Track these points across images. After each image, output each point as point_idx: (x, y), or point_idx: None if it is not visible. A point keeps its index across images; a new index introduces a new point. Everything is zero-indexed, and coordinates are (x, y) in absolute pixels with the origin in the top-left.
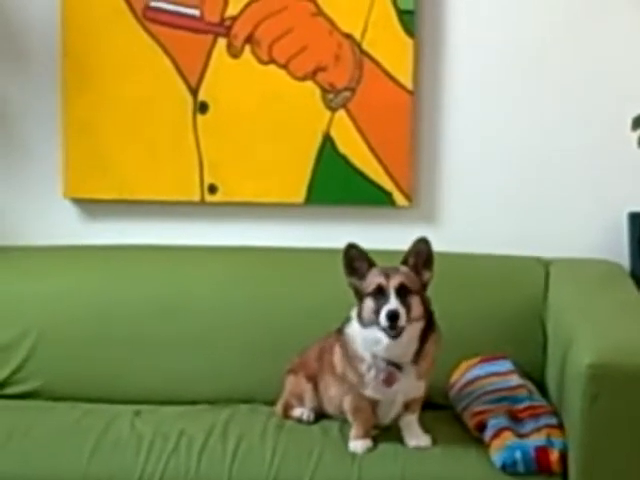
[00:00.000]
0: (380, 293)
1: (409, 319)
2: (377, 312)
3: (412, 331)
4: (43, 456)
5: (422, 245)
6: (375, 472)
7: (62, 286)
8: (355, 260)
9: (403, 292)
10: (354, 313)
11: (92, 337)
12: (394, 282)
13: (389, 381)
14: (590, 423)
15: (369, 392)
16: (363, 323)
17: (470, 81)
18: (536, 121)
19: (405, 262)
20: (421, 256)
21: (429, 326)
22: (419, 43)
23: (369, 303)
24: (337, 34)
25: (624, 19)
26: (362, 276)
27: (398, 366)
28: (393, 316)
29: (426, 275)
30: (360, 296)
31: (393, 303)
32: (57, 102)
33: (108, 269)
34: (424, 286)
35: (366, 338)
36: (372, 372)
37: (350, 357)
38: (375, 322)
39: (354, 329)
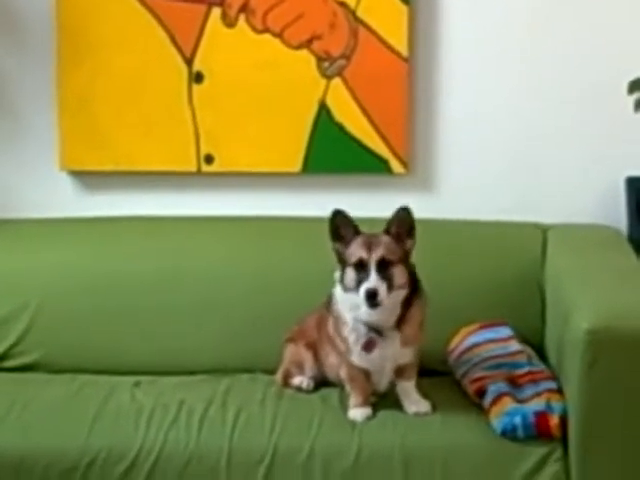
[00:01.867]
0: (361, 266)
1: (391, 289)
2: (358, 283)
3: (394, 298)
4: (43, 428)
5: (404, 213)
6: (375, 439)
7: (60, 258)
8: (341, 227)
9: (384, 265)
10: (337, 276)
11: (90, 309)
12: (375, 256)
13: (368, 347)
14: (589, 388)
15: (355, 359)
16: (345, 288)
17: (465, 47)
18: (533, 86)
19: (388, 231)
20: (403, 224)
21: (414, 292)
22: (414, 10)
23: (350, 273)
24: (332, 2)
25: None
26: (347, 242)
27: (379, 332)
28: (371, 294)
29: (408, 243)
30: (343, 262)
31: (372, 281)
32: (52, 75)
33: (105, 241)
34: (407, 254)
35: (347, 301)
36: (353, 336)
37: (336, 320)
38: (355, 290)
39: (338, 291)
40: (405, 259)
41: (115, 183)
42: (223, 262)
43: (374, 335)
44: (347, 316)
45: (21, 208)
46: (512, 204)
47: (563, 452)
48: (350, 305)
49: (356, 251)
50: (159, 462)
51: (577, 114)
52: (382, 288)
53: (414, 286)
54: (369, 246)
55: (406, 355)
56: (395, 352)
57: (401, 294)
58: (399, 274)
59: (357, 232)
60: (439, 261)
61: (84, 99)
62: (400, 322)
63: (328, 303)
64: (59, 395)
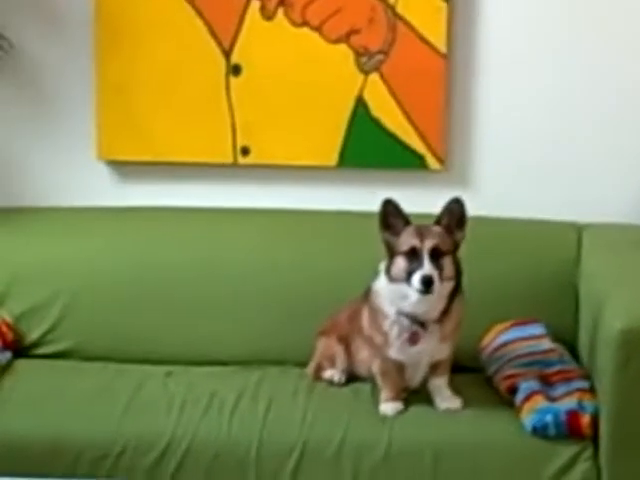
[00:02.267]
0: (414, 255)
1: (441, 279)
2: (409, 273)
3: (443, 290)
4: (75, 416)
5: (455, 205)
6: (406, 434)
7: (95, 248)
8: (390, 216)
9: (436, 254)
10: (382, 267)
11: (125, 298)
12: (428, 244)
13: (413, 339)
14: (621, 387)
15: (393, 353)
16: (391, 278)
17: (503, 45)
18: (570, 85)
19: (438, 222)
20: (454, 216)
21: (457, 287)
22: (453, 7)
23: (401, 262)
24: None
25: None
26: (396, 232)
27: (422, 324)
28: (427, 281)
29: (458, 235)
30: (392, 252)
31: (427, 268)
32: (91, 64)
33: (141, 231)
34: (456, 246)
35: (393, 292)
36: (395, 330)
37: (375, 314)
38: (405, 280)
39: (381, 283)
40: (454, 251)
41: (151, 173)
42: (257, 254)
43: (418, 328)
44: (389, 309)
45: (58, 196)
46: (548, 202)
47: (594, 452)
48: (396, 296)
49: (408, 239)
50: (189, 452)
51: (614, 113)
52: (436, 275)
53: (458, 280)
54: (421, 235)
55: (444, 350)
56: (434, 347)
57: (449, 286)
58: (448, 265)
59: (407, 222)
60: (473, 258)
61: (122, 89)
62: (442, 316)
63: (366, 296)
64: (92, 383)
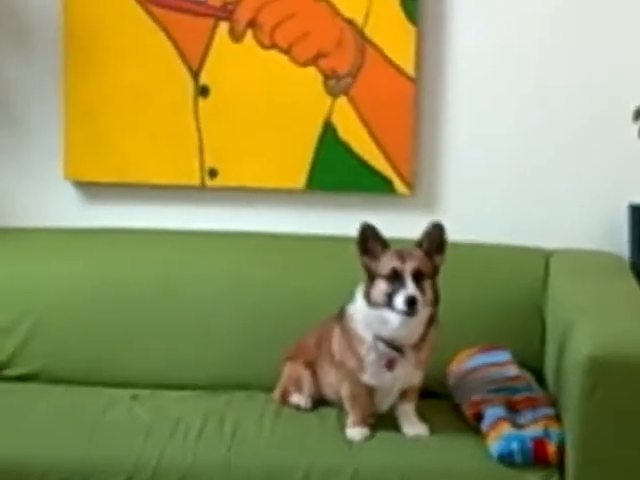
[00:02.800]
0: (395, 277)
1: (423, 302)
2: (390, 295)
3: (423, 314)
4: (40, 439)
5: (435, 230)
6: (372, 460)
7: (61, 269)
8: (369, 240)
9: (418, 276)
10: (359, 292)
11: (91, 320)
12: (410, 266)
13: (390, 365)
14: (588, 414)
15: (367, 378)
16: (371, 303)
17: (472, 69)
18: (539, 111)
19: (419, 245)
20: (434, 241)
21: (434, 313)
22: (422, 30)
23: (382, 285)
24: (339, 20)
25: (630, 8)
26: (375, 256)
27: (399, 350)
28: (411, 301)
29: (438, 260)
30: (371, 276)
31: (411, 288)
32: (59, 85)
33: (108, 252)
34: (435, 271)
35: (372, 318)
36: (372, 355)
37: (350, 339)
38: (386, 304)
39: (358, 308)
40: (434, 275)
41: (119, 194)
42: (224, 278)
43: (396, 353)
44: (366, 334)
45: (24, 217)
46: (515, 228)
47: (560, 479)
48: (374, 321)
49: (389, 262)
50: (155, 477)
51: (582, 140)
52: (419, 297)
53: (435, 306)
54: (402, 257)
55: (416, 377)
56: (408, 373)
57: (428, 311)
58: (429, 289)
59: (386, 246)
60: (441, 283)
61: (90, 110)
62: (419, 342)
63: (338, 320)
64: (57, 406)
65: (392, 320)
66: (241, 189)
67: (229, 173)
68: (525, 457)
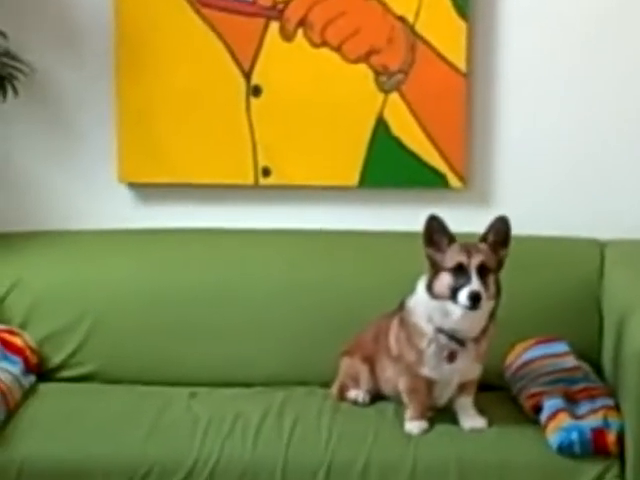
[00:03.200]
0: (460, 271)
1: (486, 297)
2: (454, 289)
3: (486, 308)
4: (99, 439)
5: (501, 224)
6: (431, 453)
7: (118, 270)
8: (435, 232)
9: (483, 271)
10: (421, 284)
11: (148, 321)
12: (475, 261)
13: (451, 357)
14: None
15: (426, 371)
16: (434, 295)
17: (523, 63)
18: (591, 101)
19: (483, 239)
20: (500, 235)
21: (495, 306)
22: (472, 25)
23: (447, 278)
24: (390, 17)
25: None
26: (440, 249)
27: (461, 343)
28: (475, 297)
29: (502, 253)
30: (435, 268)
31: (475, 284)
32: (112, 87)
33: (163, 253)
34: (500, 265)
35: (434, 309)
36: (432, 348)
37: (410, 332)
38: (450, 298)
39: (418, 301)
40: (498, 269)
41: (172, 195)
42: (279, 275)
43: (457, 346)
44: (426, 326)
45: (80, 219)
46: (570, 219)
47: (620, 469)
48: (437, 313)
49: (455, 256)
50: (215, 474)
51: (634, 130)
52: (483, 292)
53: (497, 300)
54: (468, 252)
55: (475, 370)
56: (468, 366)
57: (491, 305)
58: (492, 283)
59: (452, 239)
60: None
61: (143, 112)
62: (480, 335)
63: (397, 314)
64: (115, 406)
65: (455, 312)
66: (294, 187)
67: (282, 172)
68: (584, 448)
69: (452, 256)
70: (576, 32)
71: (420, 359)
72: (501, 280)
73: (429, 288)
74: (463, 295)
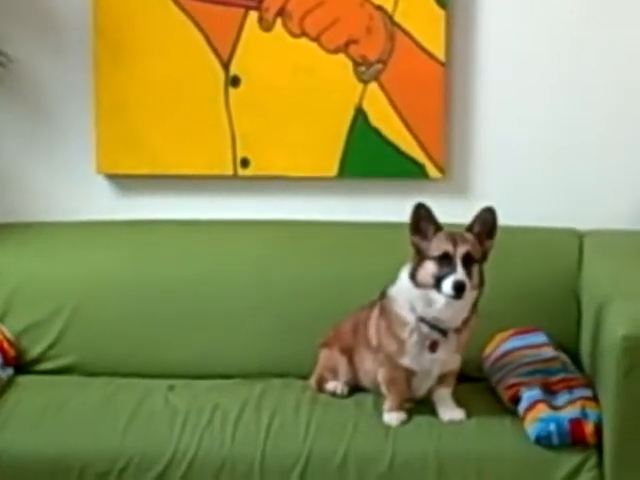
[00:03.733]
0: (446, 260)
1: (470, 287)
2: (439, 278)
3: (469, 298)
4: (78, 431)
5: (487, 214)
6: (409, 445)
7: (96, 262)
8: (422, 220)
9: (468, 261)
10: (405, 273)
11: (126, 312)
12: (461, 250)
13: (433, 347)
14: (625, 395)
15: (406, 361)
16: (417, 283)
17: (502, 52)
18: (570, 91)
19: (469, 229)
20: (486, 225)
21: (478, 297)
22: (451, 14)
23: (431, 267)
24: (368, 6)
25: None
26: (426, 237)
27: (443, 332)
28: (460, 287)
29: (487, 244)
30: (420, 256)
31: (460, 274)
32: (90, 78)
33: (142, 244)
34: (484, 255)
35: (417, 298)
36: (414, 337)
37: (391, 322)
38: (433, 286)
39: (401, 289)
40: (483, 260)
41: (151, 186)
42: (258, 266)
43: (438, 335)
44: (409, 315)
45: (58, 211)
46: (548, 210)
47: (598, 460)
48: (420, 301)
49: (440, 244)
50: (193, 466)
51: (614, 120)
52: (467, 282)
53: (480, 290)
54: (454, 241)
55: (455, 361)
56: (448, 356)
57: (474, 294)
58: (476, 273)
59: (438, 228)
60: None
61: (121, 102)
62: (462, 325)
63: (378, 303)
64: (94, 398)
65: (438, 301)
66: (273, 178)
67: (261, 162)
68: (562, 438)
69: (438, 245)
70: (556, 21)
71: (401, 349)
72: (484, 271)
73: (413, 276)
74: (447, 284)
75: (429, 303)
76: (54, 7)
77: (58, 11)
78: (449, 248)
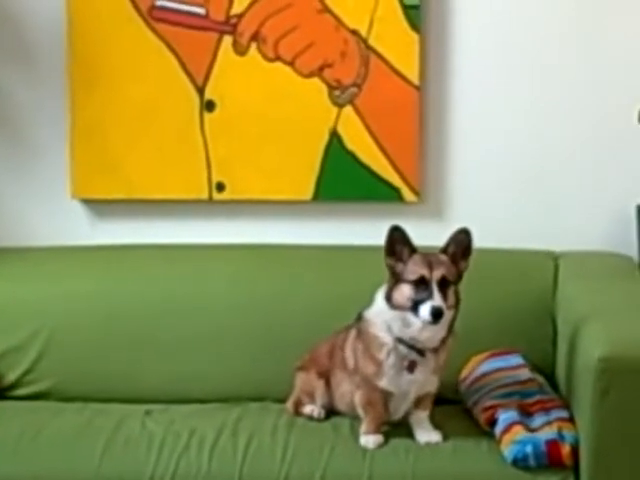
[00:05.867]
0: (422, 284)
1: (446, 308)
2: (415, 302)
3: (446, 318)
4: (54, 457)
5: (462, 236)
6: (386, 468)
7: (72, 287)
8: (397, 243)
9: (443, 284)
10: (380, 294)
11: (102, 337)
12: (437, 274)
13: (411, 367)
14: (601, 416)
15: (384, 383)
16: (393, 305)
17: (476, 75)
18: (543, 115)
19: (444, 250)
20: (461, 246)
21: (455, 317)
22: (425, 38)
23: (407, 290)
24: (343, 30)
25: (629, 11)
26: (401, 259)
27: (420, 353)
28: (438, 313)
29: (462, 265)
30: (396, 278)
31: (437, 299)
32: (65, 103)
33: (117, 269)
34: (460, 276)
35: (393, 319)
36: (392, 358)
37: (368, 344)
38: (410, 309)
39: (377, 311)
40: (458, 280)
41: (127, 211)
42: (234, 290)
43: (416, 356)
44: (386, 337)
45: (33, 236)
46: (523, 232)
47: None
48: (397, 323)
49: (417, 268)
50: None
51: (588, 142)
52: (444, 307)
53: (456, 310)
54: (430, 264)
55: (433, 383)
56: (426, 378)
57: (450, 315)
58: (452, 294)
59: (413, 250)
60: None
61: (96, 127)
62: (440, 345)
63: (354, 326)
64: (70, 424)
65: (415, 324)
66: (249, 202)
67: (236, 186)
68: (539, 460)
69: (414, 268)
70: (530, 43)
71: (379, 370)
72: (460, 291)
73: (388, 298)
74: (425, 310)
75: (406, 324)
76: (29, 32)
77: (33, 35)
78: (425, 272)
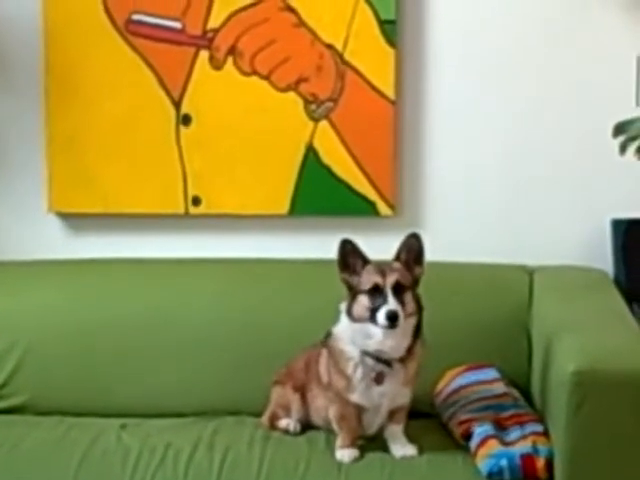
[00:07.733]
0: (377, 291)
1: (405, 315)
2: (373, 310)
3: (407, 326)
4: (30, 471)
5: (413, 240)
6: None
7: (47, 300)
8: (349, 255)
9: (398, 289)
10: (343, 309)
11: (78, 351)
12: (390, 280)
13: (379, 379)
14: (575, 430)
15: (355, 397)
16: (354, 318)
17: (452, 90)
18: (518, 129)
19: (397, 258)
20: (412, 251)
21: (418, 326)
22: (401, 53)
23: (364, 300)
24: (319, 45)
25: (604, 27)
26: (355, 272)
27: (387, 363)
28: (393, 316)
29: (417, 270)
30: (353, 292)
31: (392, 303)
32: (41, 117)
33: (94, 283)
34: (416, 281)
35: (356, 333)
36: (359, 371)
37: (337, 359)
38: (369, 319)
39: (341, 327)
40: (414, 286)
41: (103, 225)
42: (210, 304)
43: (384, 367)
44: (352, 350)
45: (9, 249)
46: (498, 246)
47: None
48: (359, 336)
49: (370, 277)
50: None
51: (563, 157)
52: (400, 310)
53: (419, 317)
54: (382, 272)
55: (405, 395)
56: (396, 389)
57: (412, 322)
58: (410, 300)
59: (366, 261)
60: (426, 303)
61: (72, 141)
62: (407, 355)
63: (324, 342)
64: (46, 438)
65: (376, 333)
66: (225, 216)
67: (212, 201)
68: (514, 474)
69: (367, 278)
70: (505, 60)
71: (349, 385)
72: (420, 297)
73: (349, 312)
74: (381, 315)
75: (368, 336)
76: (4, 45)
77: (8, 49)
78: (378, 279)
